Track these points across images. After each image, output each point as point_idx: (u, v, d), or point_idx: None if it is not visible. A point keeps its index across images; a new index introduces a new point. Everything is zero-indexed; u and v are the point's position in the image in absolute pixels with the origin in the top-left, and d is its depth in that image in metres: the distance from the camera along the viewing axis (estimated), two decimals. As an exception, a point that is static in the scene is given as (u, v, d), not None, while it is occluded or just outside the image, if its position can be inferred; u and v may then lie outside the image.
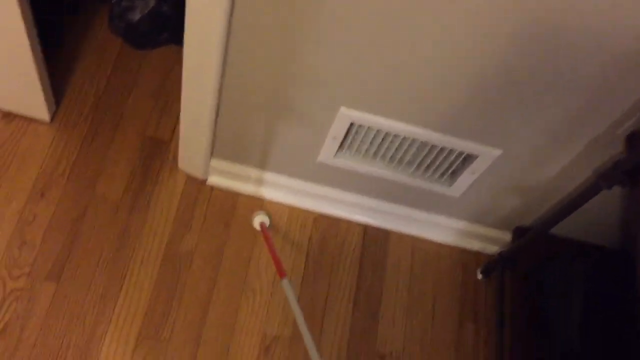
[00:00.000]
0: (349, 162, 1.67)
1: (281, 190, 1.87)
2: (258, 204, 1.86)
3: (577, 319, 1.66)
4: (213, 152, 1.76)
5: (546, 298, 1.72)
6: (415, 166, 1.64)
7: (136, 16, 1.94)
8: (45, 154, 1.80)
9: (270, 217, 1.84)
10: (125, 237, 1.73)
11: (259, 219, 1.81)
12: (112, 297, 1.65)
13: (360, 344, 1.75)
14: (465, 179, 1.64)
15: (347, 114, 1.46)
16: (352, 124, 1.51)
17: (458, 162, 1.59)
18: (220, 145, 1.72)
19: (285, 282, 1.56)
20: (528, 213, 1.78)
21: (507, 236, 1.89)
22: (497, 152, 1.49)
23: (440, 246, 1.94)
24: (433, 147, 1.53)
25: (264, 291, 1.75)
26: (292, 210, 1.88)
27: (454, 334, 1.83)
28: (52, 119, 1.86)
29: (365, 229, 1.92)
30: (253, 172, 1.83)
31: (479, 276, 1.92)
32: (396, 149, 1.59)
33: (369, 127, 1.50)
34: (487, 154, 1.50)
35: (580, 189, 1.57)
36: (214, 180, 1.86)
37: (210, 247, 1.78)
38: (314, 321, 1.74)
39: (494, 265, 1.88)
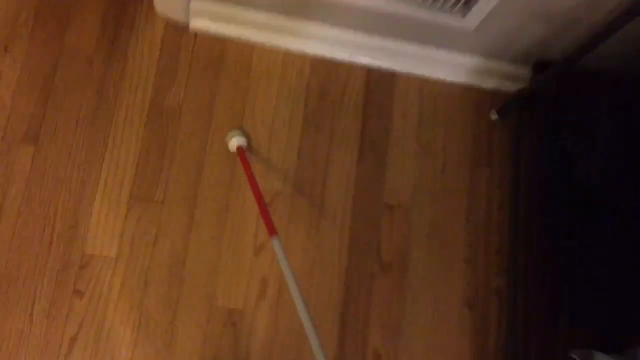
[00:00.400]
0: (347, -7, 1.45)
1: (272, 31, 1.66)
2: (248, 50, 1.67)
3: (601, 162, 1.54)
4: (192, -10, 1.54)
5: (567, 139, 1.58)
6: (424, -5, 1.42)
7: None
8: (1, 2, 1.59)
9: (247, 136, 1.62)
10: (104, 94, 1.57)
11: (235, 142, 1.56)
12: (97, 159, 1.53)
13: (367, 196, 1.66)
14: (481, 8, 1.42)
15: None
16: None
17: (474, -13, 1.37)
18: (199, -18, 1.50)
19: (276, 243, 1.20)
20: (551, 45, 1.58)
21: (526, 72, 1.71)
22: (520, -29, 1.27)
23: (451, 86, 1.77)
24: (445, -31, 1.30)
25: (262, 146, 1.62)
26: (287, 56, 1.69)
27: (466, 180, 1.72)
28: (5, -40, 1.62)
29: (369, 72, 1.73)
30: (239, 12, 1.61)
31: (494, 117, 1.76)
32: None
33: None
34: (508, -25, 1.28)
35: (612, 14, 1.36)
36: (197, 24, 1.65)
37: (199, 100, 1.62)
38: (317, 176, 1.63)
39: (510, 104, 1.71)
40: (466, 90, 1.77)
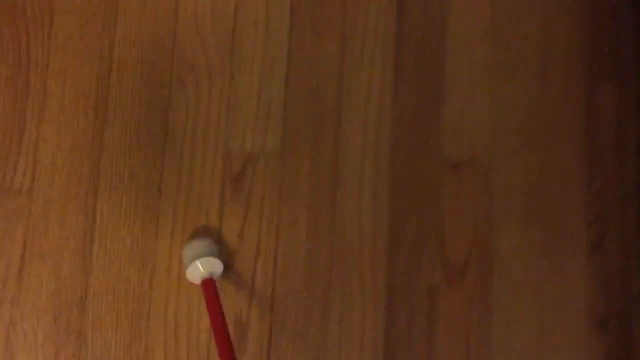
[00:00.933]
0: None
1: None
2: None
3: None
4: None
5: None
6: None
7: None
8: None
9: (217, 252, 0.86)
10: None
11: (200, 268, 0.83)
12: None
13: (413, 149, 0.93)
14: None
15: None
16: None
17: None
18: None
19: None
20: None
21: None
22: None
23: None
24: None
25: (223, 71, 0.88)
26: None
27: (580, 109, 0.99)
28: None
29: None
30: None
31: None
32: None
33: None
34: None
35: None
36: None
37: None
38: (320, 116, 0.90)
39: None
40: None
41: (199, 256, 0.79)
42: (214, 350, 0.81)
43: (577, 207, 0.97)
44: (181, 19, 0.91)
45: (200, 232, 0.84)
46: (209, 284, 0.76)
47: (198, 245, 0.82)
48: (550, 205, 0.96)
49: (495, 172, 0.95)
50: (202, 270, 0.78)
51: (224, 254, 0.84)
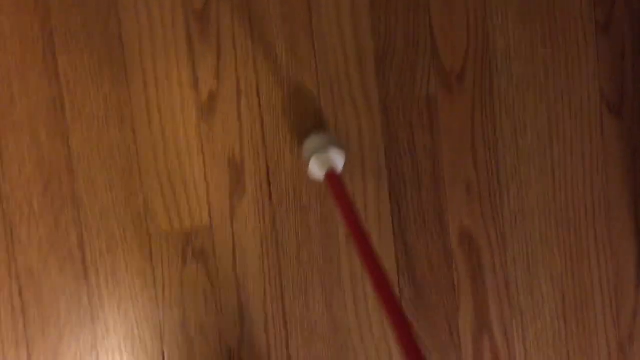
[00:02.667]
0: None
1: None
2: None
3: None
4: None
5: None
6: None
7: None
8: None
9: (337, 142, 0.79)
10: None
11: (322, 162, 0.77)
12: None
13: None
14: None
15: None
16: None
17: None
18: None
19: None
20: None
21: None
22: None
23: None
24: None
25: None
26: None
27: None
28: None
29: None
30: None
31: None
32: None
33: None
34: None
35: None
36: None
37: None
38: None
39: None
40: None
41: (318, 150, 0.76)
42: (213, 191, 0.80)
43: (578, -16, 0.88)
44: None
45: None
46: (333, 178, 0.72)
47: (315, 139, 0.78)
48: (548, -12, 0.87)
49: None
50: (322, 164, 0.75)
51: (204, 97, 0.80)
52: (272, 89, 0.81)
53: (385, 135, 0.85)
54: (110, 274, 0.79)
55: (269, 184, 0.82)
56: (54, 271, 0.77)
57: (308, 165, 0.76)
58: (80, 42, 0.77)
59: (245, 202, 0.81)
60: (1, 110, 0.76)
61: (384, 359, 0.85)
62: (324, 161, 0.75)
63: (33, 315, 0.77)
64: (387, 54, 0.84)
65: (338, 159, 0.77)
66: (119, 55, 0.78)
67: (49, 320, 0.77)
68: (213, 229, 0.80)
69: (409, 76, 0.85)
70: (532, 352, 0.89)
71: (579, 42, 0.89)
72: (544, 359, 0.89)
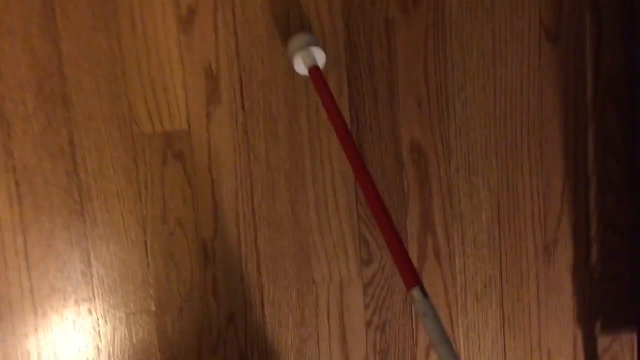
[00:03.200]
0: None
1: None
2: None
3: None
4: None
5: None
6: None
7: None
8: None
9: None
10: None
11: (306, 57, 0.87)
12: None
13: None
14: None
15: None
16: None
17: None
18: None
19: (420, 299, 0.59)
20: None
21: None
22: None
23: None
24: None
25: None
26: None
27: None
28: None
29: None
30: None
31: None
32: None
33: None
34: None
35: None
36: None
37: None
38: None
39: None
40: None
41: (302, 47, 0.85)
42: (191, 98, 0.89)
43: None
44: None
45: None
46: (315, 72, 0.81)
47: (299, 38, 0.86)
48: None
49: None
50: (307, 60, 0.84)
51: (184, 11, 0.88)
52: (247, 7, 0.89)
53: (347, 53, 0.94)
54: (98, 170, 0.88)
55: (242, 93, 0.91)
56: (47, 165, 0.86)
57: (292, 60, 0.86)
58: (68, -45, 0.83)
59: (220, 109, 0.90)
60: (-3, 14, 0.83)
61: (340, 255, 0.97)
62: (307, 57, 0.84)
63: (28, 204, 0.86)
64: (350, -22, 0.93)
65: (319, 56, 0.86)
66: (104, -31, 0.85)
67: (43, 209, 0.87)
68: (190, 132, 0.90)
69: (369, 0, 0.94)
70: (469, 250, 1.02)
71: (523, -26, 0.98)
72: (479, 257, 1.03)
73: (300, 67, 0.88)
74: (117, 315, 0.90)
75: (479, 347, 1.04)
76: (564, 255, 1.05)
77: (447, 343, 0.54)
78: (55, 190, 0.87)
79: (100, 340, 0.90)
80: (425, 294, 0.58)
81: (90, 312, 0.89)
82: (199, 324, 0.93)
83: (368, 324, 0.99)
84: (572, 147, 1.03)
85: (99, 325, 0.90)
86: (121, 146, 0.88)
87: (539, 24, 1.00)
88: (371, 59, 0.95)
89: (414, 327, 1.00)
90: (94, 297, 0.89)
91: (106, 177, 0.88)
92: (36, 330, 0.88)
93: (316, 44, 0.86)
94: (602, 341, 1.08)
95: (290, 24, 0.91)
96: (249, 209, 0.93)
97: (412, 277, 0.59)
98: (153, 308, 0.91)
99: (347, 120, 0.95)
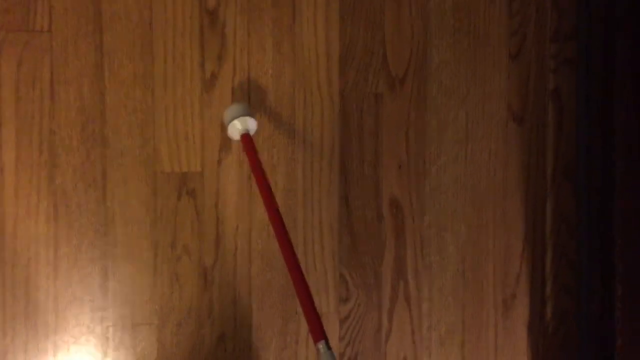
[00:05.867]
0: None
1: None
2: None
3: None
4: None
5: None
6: None
7: None
8: None
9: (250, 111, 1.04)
10: None
11: (238, 125, 1.02)
12: None
13: (358, -21, 1.10)
14: None
15: None
16: None
17: None
18: None
19: (321, 347, 0.76)
20: None
21: None
22: None
23: None
24: None
25: None
26: None
27: None
28: None
29: None
30: None
31: None
32: None
33: None
34: None
35: None
36: None
37: None
38: None
39: None
40: None
41: (237, 116, 0.99)
42: (207, 146, 1.06)
43: (499, 20, 1.16)
44: None
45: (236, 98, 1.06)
46: (246, 138, 0.98)
47: (235, 107, 1.01)
48: (476, 21, 1.16)
49: (429, -3, 1.14)
50: (240, 127, 0.99)
51: (208, 75, 1.06)
52: (260, 76, 1.08)
53: (340, 119, 1.12)
54: (123, 200, 1.05)
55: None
56: (81, 192, 1.03)
57: (227, 127, 1.01)
58: (121, 24, 1.03)
59: (229, 157, 1.08)
60: (59, 68, 1.02)
61: (321, 292, 1.12)
62: (240, 125, 0.99)
63: (62, 223, 1.03)
64: (348, 57, 1.12)
65: (251, 124, 1.01)
66: (147, 35, 1.04)
67: (73, 229, 1.03)
68: (203, 174, 1.07)
69: (363, 76, 1.12)
70: (436, 298, 1.16)
71: (495, 65, 1.17)
72: (444, 305, 1.17)
73: (234, 133, 1.01)
74: (125, 325, 1.05)
75: (439, 386, 1.16)
76: (521, 310, 1.19)
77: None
78: (85, 214, 1.04)
79: (108, 346, 1.04)
80: (329, 347, 0.75)
81: (102, 319, 1.04)
82: (194, 339, 1.07)
83: (342, 355, 1.13)
84: (531, 217, 1.19)
85: (108, 332, 1.04)
86: (144, 181, 1.05)
87: (507, 109, 1.18)
88: (361, 125, 1.13)
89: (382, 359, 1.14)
90: (107, 307, 1.04)
91: (129, 207, 1.05)
92: (55, 331, 1.03)
93: (249, 114, 1.01)
94: (552, 392, 1.20)
95: (294, 93, 1.10)
96: (246, 243, 1.09)
97: (319, 333, 0.76)
98: (156, 321, 1.06)
99: (337, 176, 1.12)
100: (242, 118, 1.00)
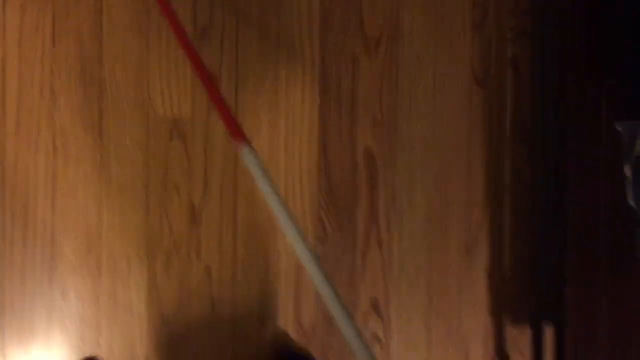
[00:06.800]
0: None
1: None
2: None
3: None
4: None
5: None
6: None
7: None
8: None
9: None
10: None
11: None
12: None
13: None
14: None
15: None
16: None
17: None
18: None
19: (247, 155, 0.83)
20: None
21: None
22: None
23: None
24: None
25: None
26: None
27: None
28: None
29: None
30: None
31: None
32: None
33: None
34: None
35: None
36: None
37: None
38: None
39: None
40: None
41: None
42: (198, 96, 1.15)
43: (463, -7, 1.29)
44: None
45: None
46: None
47: None
48: (443, -8, 1.28)
49: (402, -33, 1.26)
50: None
51: (199, 27, 1.16)
52: (245, 35, 1.18)
53: (321, 76, 1.22)
54: (117, 140, 1.12)
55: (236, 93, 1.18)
56: (79, 130, 1.10)
57: None
58: None
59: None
60: (59, 17, 1.10)
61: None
62: None
63: (60, 156, 1.10)
64: (328, 22, 1.22)
65: None
66: (145, -11, 1.13)
67: (70, 161, 1.10)
68: (193, 119, 1.15)
69: (341, 39, 1.23)
70: (405, 242, 1.26)
71: (460, 33, 1.29)
72: (413, 249, 1.27)
73: None
74: (119, 257, 1.12)
75: (409, 324, 1.26)
76: (482, 256, 1.30)
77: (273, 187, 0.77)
78: (82, 150, 1.11)
79: (101, 274, 1.11)
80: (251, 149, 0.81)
81: (96, 251, 1.11)
82: (182, 272, 1.15)
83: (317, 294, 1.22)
84: (492, 171, 1.31)
85: (101, 263, 1.11)
86: (138, 123, 1.13)
87: (471, 72, 1.30)
88: (339, 83, 1.23)
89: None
90: (101, 240, 1.11)
91: (123, 146, 1.13)
92: (52, 258, 1.09)
93: None
94: (509, 331, 1.31)
95: (279, 47, 1.20)
96: (231, 184, 1.17)
97: (238, 133, 0.83)
98: (147, 255, 1.13)
99: (317, 127, 1.22)
100: None
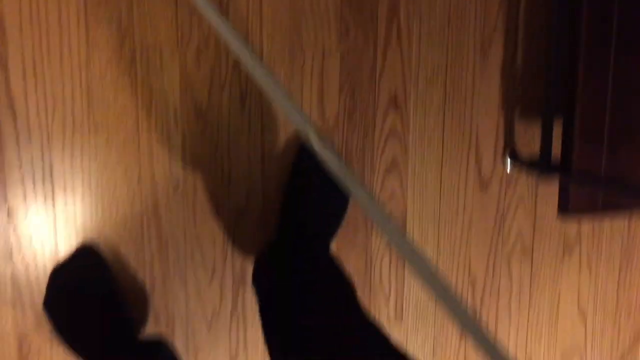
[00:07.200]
0: None
1: None
2: None
3: None
4: None
5: None
6: None
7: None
8: None
9: None
10: None
11: None
12: None
13: None
14: None
15: None
16: None
17: None
18: None
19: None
20: None
21: None
22: None
23: None
24: None
25: None
26: None
27: None
28: None
29: None
30: None
31: None
32: None
33: None
34: None
35: None
36: None
37: None
38: None
39: None
40: None
41: None
42: None
43: None
44: None
45: None
46: None
47: None
48: None
49: None
50: None
51: None
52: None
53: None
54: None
55: None
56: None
57: None
58: None
59: None
60: None
61: (324, 27, 1.25)
62: None
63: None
64: None
65: None
66: None
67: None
68: None
69: None
70: (424, 40, 1.31)
71: None
72: (431, 46, 1.31)
73: None
74: (154, 52, 1.17)
75: (425, 115, 1.34)
76: (496, 54, 1.35)
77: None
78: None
79: (137, 71, 1.17)
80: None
81: (129, 45, 1.15)
82: (212, 64, 1.20)
83: (340, 89, 1.28)
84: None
85: (135, 55, 1.16)
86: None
87: None
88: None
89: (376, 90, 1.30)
90: (134, 31, 1.15)
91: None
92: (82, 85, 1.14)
93: None
94: (520, 128, 1.40)
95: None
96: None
97: None
98: (178, 47, 1.18)
99: None
100: None
